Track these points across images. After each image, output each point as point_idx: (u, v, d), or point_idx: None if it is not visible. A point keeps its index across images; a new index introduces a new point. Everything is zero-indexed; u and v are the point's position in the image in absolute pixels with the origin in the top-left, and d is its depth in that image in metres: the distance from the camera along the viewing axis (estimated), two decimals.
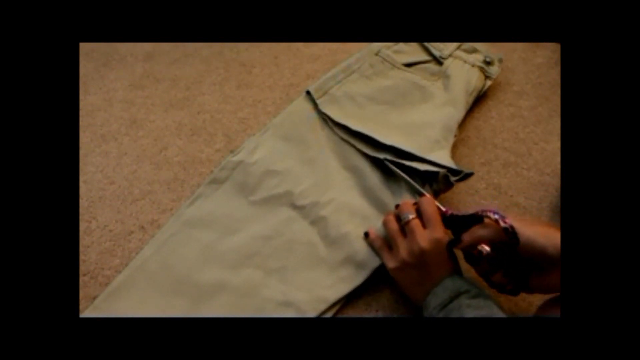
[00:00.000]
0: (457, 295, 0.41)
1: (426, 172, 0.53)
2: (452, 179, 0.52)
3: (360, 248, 0.51)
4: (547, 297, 0.43)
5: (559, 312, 0.38)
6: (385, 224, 0.49)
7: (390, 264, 0.47)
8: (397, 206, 0.50)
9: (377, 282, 0.50)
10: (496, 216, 0.42)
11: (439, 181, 0.53)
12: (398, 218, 0.48)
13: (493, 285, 0.45)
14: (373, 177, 0.56)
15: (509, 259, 0.43)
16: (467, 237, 0.44)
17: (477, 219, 0.45)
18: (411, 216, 0.46)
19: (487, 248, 0.43)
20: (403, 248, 0.46)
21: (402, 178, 0.54)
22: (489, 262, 0.44)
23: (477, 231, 0.43)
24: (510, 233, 0.40)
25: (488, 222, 0.43)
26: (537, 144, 0.64)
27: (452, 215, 0.46)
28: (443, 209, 0.48)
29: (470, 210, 0.45)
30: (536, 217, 0.56)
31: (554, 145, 0.63)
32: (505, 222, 0.41)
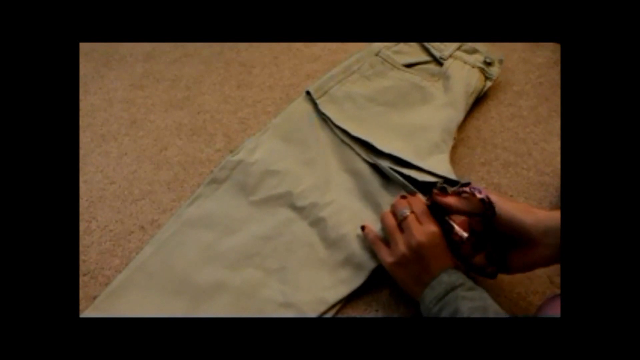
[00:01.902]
0: (453, 288, 0.42)
1: (424, 183, 0.53)
2: (450, 189, 0.52)
3: (359, 249, 0.51)
4: (546, 296, 0.43)
5: (559, 311, 0.38)
6: (382, 220, 0.50)
7: (389, 259, 0.47)
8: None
9: (377, 282, 0.50)
10: (474, 190, 0.44)
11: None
12: (395, 215, 0.49)
13: (473, 268, 0.46)
14: (373, 181, 0.56)
15: (489, 238, 0.45)
16: (451, 199, 0.46)
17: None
18: (408, 212, 0.47)
19: (464, 233, 0.45)
20: (402, 243, 0.46)
21: (401, 184, 0.54)
22: (472, 245, 0.46)
23: (457, 202, 0.45)
24: (486, 204, 0.42)
25: (465, 196, 0.45)
26: (537, 144, 0.64)
27: (434, 202, 0.48)
28: (425, 198, 0.49)
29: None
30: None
31: (554, 145, 0.63)
32: (481, 194, 0.43)
